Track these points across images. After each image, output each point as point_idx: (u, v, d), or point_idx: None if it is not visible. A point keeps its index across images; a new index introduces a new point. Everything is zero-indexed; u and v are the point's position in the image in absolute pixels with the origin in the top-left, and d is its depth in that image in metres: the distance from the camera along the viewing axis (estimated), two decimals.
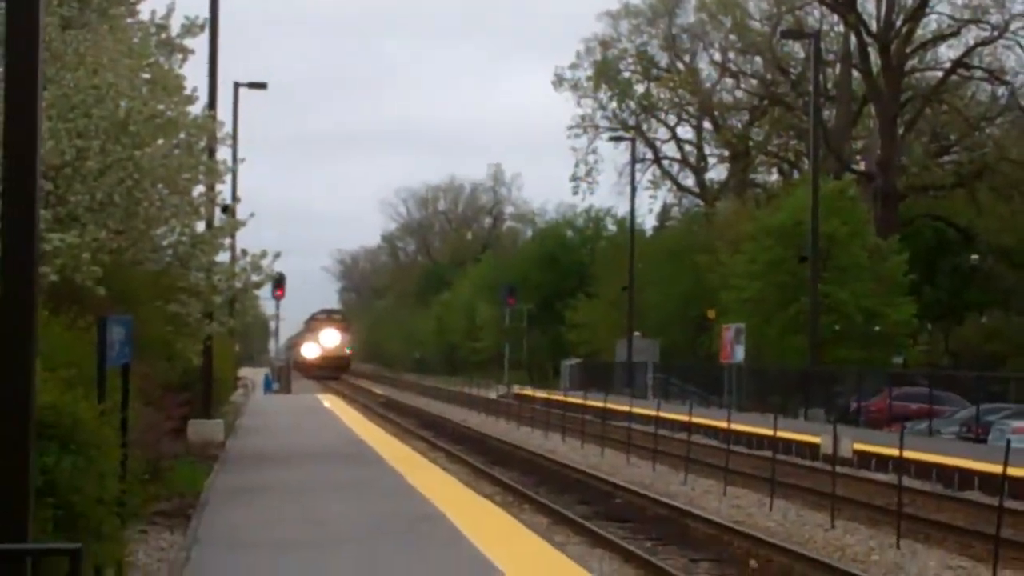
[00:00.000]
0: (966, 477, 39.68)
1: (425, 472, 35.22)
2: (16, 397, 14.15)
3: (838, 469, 34.77)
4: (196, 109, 35.00)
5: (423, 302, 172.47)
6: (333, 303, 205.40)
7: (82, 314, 22.84)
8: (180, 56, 34.34)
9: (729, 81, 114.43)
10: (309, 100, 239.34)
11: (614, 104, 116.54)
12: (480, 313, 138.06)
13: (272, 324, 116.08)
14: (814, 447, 44.00)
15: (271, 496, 28.74)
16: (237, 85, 64.16)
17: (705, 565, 26.47)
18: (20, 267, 14.37)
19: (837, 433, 36.03)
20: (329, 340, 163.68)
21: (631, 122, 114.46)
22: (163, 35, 33.17)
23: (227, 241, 38.26)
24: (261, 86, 66.02)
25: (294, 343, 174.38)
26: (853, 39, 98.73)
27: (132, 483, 19.58)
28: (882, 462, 43.01)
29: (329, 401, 77.51)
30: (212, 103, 44.33)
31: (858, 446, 40.41)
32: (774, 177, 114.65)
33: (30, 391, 14.25)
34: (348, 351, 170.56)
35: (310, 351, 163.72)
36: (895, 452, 37.36)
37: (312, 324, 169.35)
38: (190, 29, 34.40)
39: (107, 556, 16.86)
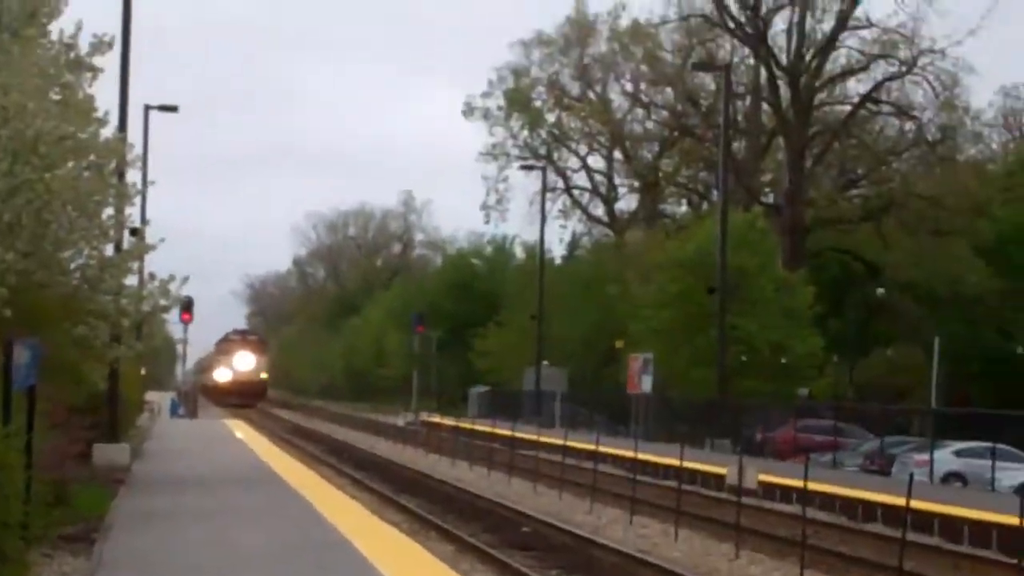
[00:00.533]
0: (870, 509, 39.88)
1: (332, 499, 35.10)
2: None
3: (744, 500, 34.87)
4: (107, 131, 34.94)
5: (332, 328, 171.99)
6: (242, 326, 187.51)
7: None
8: (90, 75, 34.17)
9: (640, 112, 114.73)
10: (219, 122, 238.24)
11: (525, 132, 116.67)
12: (389, 340, 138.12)
13: (179, 348, 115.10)
14: (720, 478, 44.20)
15: (177, 521, 28.51)
16: (147, 107, 63.93)
17: None
18: None
19: (743, 464, 36.21)
20: (243, 363, 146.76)
21: (542, 151, 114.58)
22: (72, 54, 32.96)
23: (135, 264, 38.00)
24: (172, 109, 65.82)
25: (203, 367, 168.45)
26: (763, 72, 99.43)
27: (36, 506, 19.51)
28: (787, 493, 43.21)
29: (235, 426, 77.22)
30: (123, 125, 43.99)
31: (763, 477, 40.70)
32: (684, 208, 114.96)
33: None
34: (264, 376, 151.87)
35: (222, 375, 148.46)
36: (800, 484, 37.54)
37: (224, 346, 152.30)
38: (99, 47, 34.22)
39: None
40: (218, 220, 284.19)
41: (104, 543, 24.94)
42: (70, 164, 30.73)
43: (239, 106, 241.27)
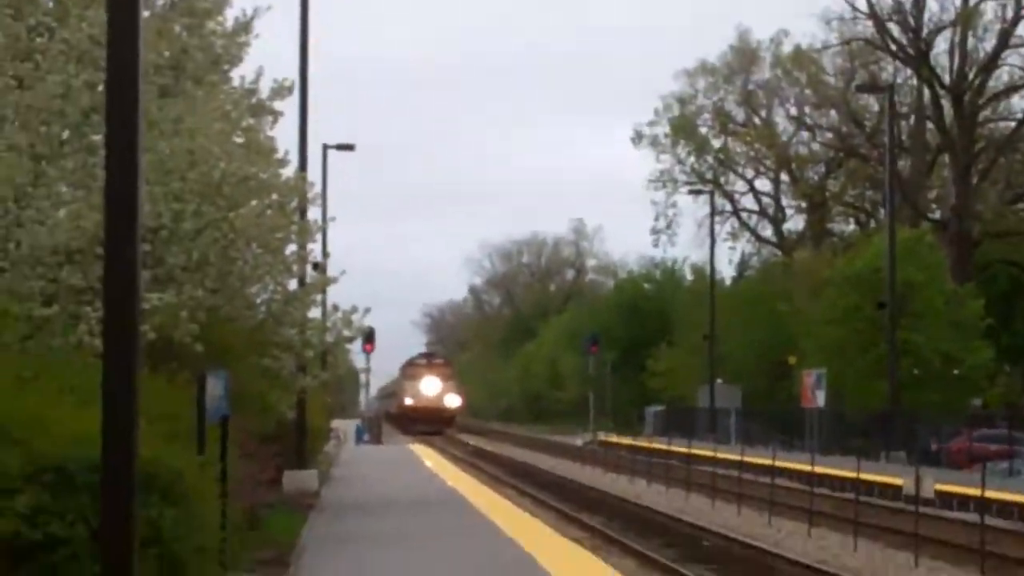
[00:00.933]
0: None
1: (516, 519, 35.07)
2: (120, 451, 14.22)
3: (920, 509, 34.45)
4: (287, 171, 35.25)
5: (507, 353, 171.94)
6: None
7: (180, 370, 22.97)
8: (271, 118, 34.43)
9: (805, 134, 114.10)
10: (395, 160, 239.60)
11: (692, 159, 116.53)
12: (564, 362, 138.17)
13: (362, 377, 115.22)
14: (896, 488, 43.71)
15: (368, 544, 28.61)
16: (326, 147, 64.46)
17: None
18: (123, 326, 14.41)
19: (919, 474, 35.73)
20: (429, 389, 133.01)
21: (709, 176, 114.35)
22: (254, 99, 33.25)
23: (318, 297, 38.24)
24: (349, 147, 66.36)
25: (387, 393, 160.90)
26: (926, 91, 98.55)
27: (231, 531, 19.65)
28: (963, 502, 42.68)
29: (419, 451, 77.48)
30: (303, 164, 44.43)
31: (939, 486, 40.12)
32: (851, 227, 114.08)
33: (133, 446, 14.31)
34: (454, 404, 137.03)
35: (408, 401, 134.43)
36: (976, 492, 37.12)
37: (409, 370, 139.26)
38: (279, 92, 34.41)
39: None
40: (396, 254, 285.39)
41: (298, 566, 25.13)
42: (253, 203, 30.92)
43: (411, 144, 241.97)
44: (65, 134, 27.54)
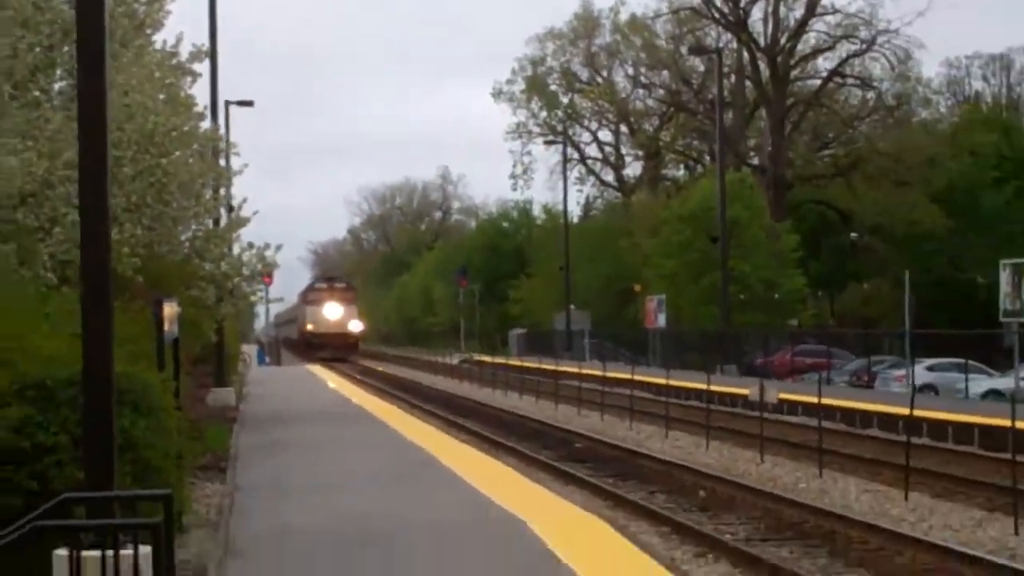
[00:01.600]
0: (866, 417, 39.79)
1: (411, 425, 35.16)
2: (99, 368, 13.92)
3: (764, 415, 34.62)
4: (203, 124, 34.94)
5: (385, 285, 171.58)
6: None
7: (130, 300, 22.64)
8: (189, 78, 34.02)
9: (641, 91, 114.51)
10: (285, 117, 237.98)
11: (544, 113, 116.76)
12: (435, 291, 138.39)
13: (263, 306, 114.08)
14: (738, 396, 43.99)
15: (289, 451, 28.52)
16: (228, 103, 63.66)
17: (661, 495, 26.47)
18: (97, 263, 14.15)
19: (763, 384, 35.95)
20: (333, 313, 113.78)
21: (559, 128, 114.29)
22: (174, 61, 32.74)
23: (234, 235, 37.90)
24: (248, 104, 65.52)
25: (284, 320, 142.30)
26: (745, 54, 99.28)
27: (185, 441, 19.44)
28: (793, 407, 43.00)
29: (316, 371, 77.26)
30: (214, 118, 44.02)
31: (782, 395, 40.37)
32: (681, 172, 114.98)
33: (109, 362, 14.01)
34: (358, 328, 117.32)
35: (310, 327, 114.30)
36: (809, 399, 37.44)
37: (311, 295, 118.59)
38: (196, 55, 34.02)
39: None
40: (288, 200, 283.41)
41: (234, 470, 24.96)
42: (178, 153, 30.54)
43: (301, 104, 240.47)
44: (14, 91, 27.00)
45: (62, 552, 10.51)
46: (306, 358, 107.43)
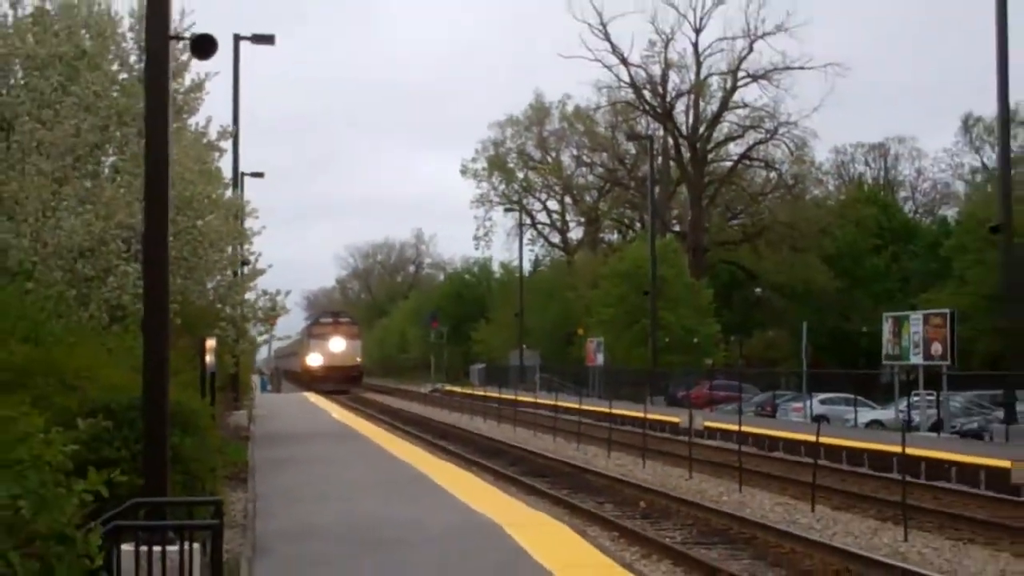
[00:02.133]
0: (773, 442, 39.92)
1: (398, 445, 34.95)
2: (157, 395, 13.99)
3: (692, 439, 34.78)
4: (227, 192, 35.02)
5: (368, 327, 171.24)
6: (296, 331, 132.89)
7: (176, 339, 22.66)
8: (217, 153, 34.15)
9: (583, 169, 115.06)
10: (282, 181, 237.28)
11: (503, 186, 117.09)
12: (409, 333, 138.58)
13: (266, 341, 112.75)
14: (669, 423, 44.06)
15: (297, 464, 28.34)
16: (243, 174, 63.59)
17: (609, 505, 26.51)
18: (158, 307, 14.31)
19: (692, 413, 36.06)
20: (337, 347, 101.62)
21: (515, 198, 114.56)
22: (205, 140, 32.81)
23: (252, 284, 37.87)
24: (260, 175, 65.44)
25: (285, 353, 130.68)
26: (670, 140, 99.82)
27: (219, 455, 19.45)
28: (712, 433, 43.09)
29: (311, 397, 76.93)
30: (235, 186, 44.14)
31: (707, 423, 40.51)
32: (616, 236, 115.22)
33: (165, 391, 14.09)
34: (359, 360, 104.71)
35: (315, 360, 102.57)
36: (726, 426, 37.55)
37: (316, 330, 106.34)
38: (223, 135, 34.20)
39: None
40: (287, 253, 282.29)
41: (253, 480, 24.87)
42: (210, 216, 30.59)
43: (307, 172, 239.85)
44: (76, 164, 27.05)
45: (128, 547, 10.55)
46: (305, 387, 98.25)
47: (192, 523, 11.32)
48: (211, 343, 19.14)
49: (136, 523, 10.59)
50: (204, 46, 16.45)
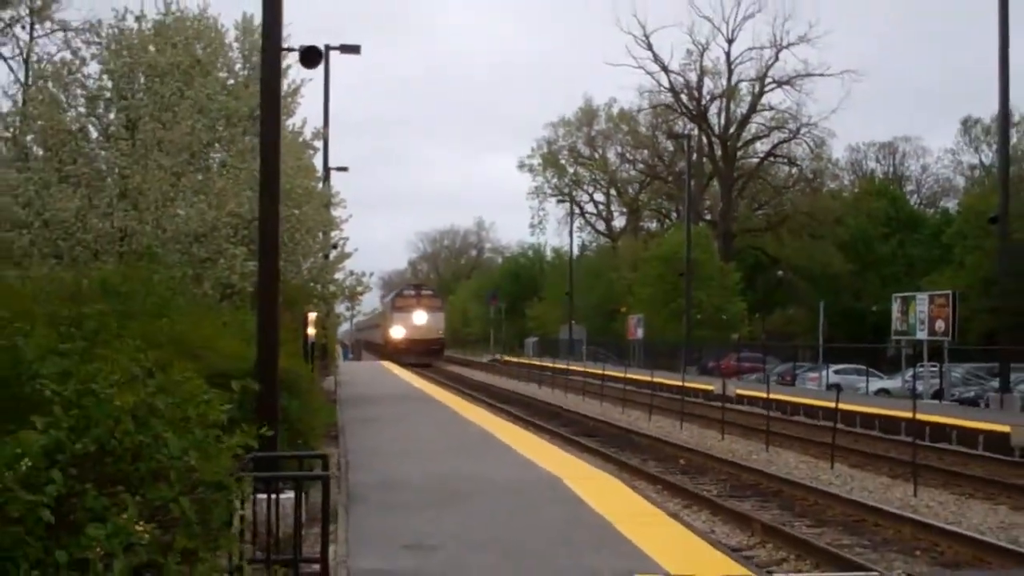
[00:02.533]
0: (795, 407, 39.87)
1: (465, 407, 35.16)
2: (269, 363, 14.27)
3: (725, 405, 34.80)
4: (319, 185, 35.19)
5: None
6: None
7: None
8: (311, 151, 34.37)
9: (626, 165, 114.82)
10: (363, 173, 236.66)
11: (555, 179, 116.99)
12: (471, 310, 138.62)
13: (346, 315, 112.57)
14: (702, 390, 44.04)
15: (379, 424, 28.53)
16: (329, 169, 63.86)
17: (652, 462, 26.62)
18: (270, 290, 14.56)
19: (725, 381, 36.07)
20: (420, 320, 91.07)
21: (566, 190, 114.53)
22: (301, 139, 33.03)
23: (341, 265, 38.09)
24: (344, 169, 65.62)
25: (367, 325, 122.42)
26: (704, 139, 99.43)
27: (319, 416, 19.71)
28: (740, 399, 43.03)
29: (387, 365, 77.25)
30: (325, 180, 44.35)
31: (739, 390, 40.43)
32: (654, 225, 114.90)
33: (276, 359, 14.36)
34: (441, 333, 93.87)
35: (398, 332, 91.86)
36: (757, 393, 37.54)
37: (398, 302, 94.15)
38: (316, 135, 34.40)
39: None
40: (366, 237, 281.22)
41: (344, 437, 25.13)
42: (306, 207, 30.82)
43: (384, 165, 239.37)
44: (191, 160, 27.35)
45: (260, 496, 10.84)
46: (387, 359, 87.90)
47: (307, 474, 11.58)
48: (313, 316, 19.40)
49: (262, 474, 10.84)
50: (312, 57, 16.77)
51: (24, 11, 33.03)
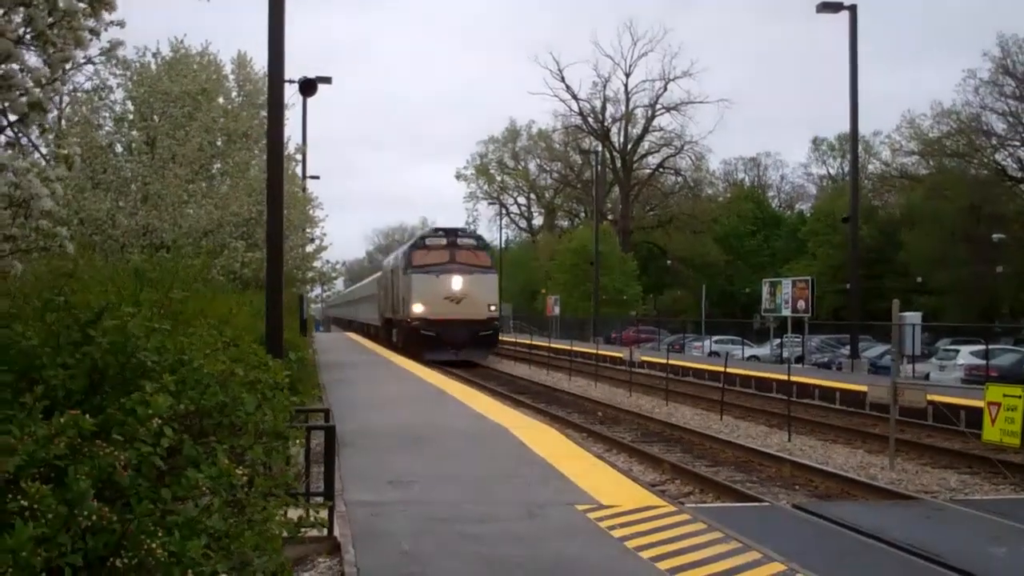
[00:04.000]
0: (684, 370, 40.17)
1: (420, 369, 34.95)
2: (275, 332, 14.21)
3: (632, 369, 34.95)
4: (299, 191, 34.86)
5: None
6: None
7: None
8: (294, 163, 33.99)
9: (544, 174, 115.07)
10: (336, 181, 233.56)
11: (486, 186, 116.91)
12: None
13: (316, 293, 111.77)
14: (609, 356, 44.18)
15: (352, 383, 28.34)
16: (307, 177, 63.19)
17: (576, 414, 26.69)
18: (275, 275, 14.48)
19: (631, 349, 36.26)
20: (457, 285, 42.04)
21: (495, 195, 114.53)
22: (286, 152, 32.61)
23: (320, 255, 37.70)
24: (316, 177, 64.83)
25: (350, 299, 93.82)
26: (607, 153, 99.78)
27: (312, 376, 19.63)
28: (643, 364, 43.16)
29: (350, 336, 76.73)
30: (304, 188, 43.86)
31: (644, 357, 40.61)
32: (567, 223, 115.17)
33: (280, 329, 14.30)
34: (494, 308, 43.79)
35: (419, 308, 42.02)
36: (656, 359, 37.73)
37: (417, 256, 43.04)
38: (299, 150, 34.14)
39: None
40: (334, 232, 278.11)
41: (326, 394, 24.95)
42: (291, 209, 30.51)
43: (339, 174, 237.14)
44: (199, 169, 27.03)
45: None
46: (391, 347, 49.75)
47: (316, 424, 11.56)
48: (305, 297, 19.35)
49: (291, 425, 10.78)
50: (309, 88, 16.60)
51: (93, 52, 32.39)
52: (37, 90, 5.53)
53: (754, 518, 12.10)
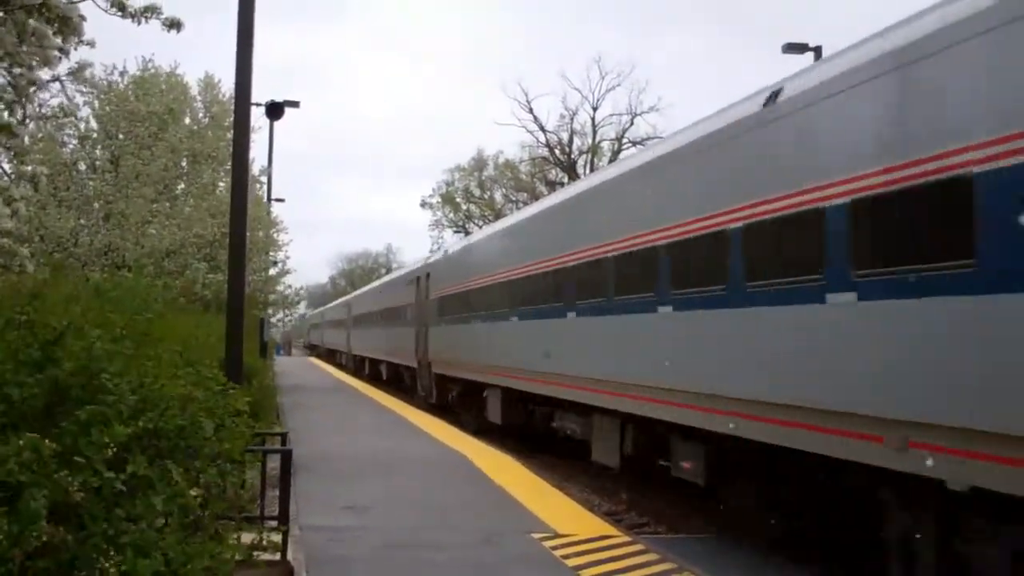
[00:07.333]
0: None
1: (377, 393, 34.93)
2: (235, 355, 14.20)
3: None
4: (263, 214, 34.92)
5: None
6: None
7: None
8: (258, 185, 34.12)
9: (511, 204, 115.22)
10: (299, 205, 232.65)
11: (452, 214, 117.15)
12: None
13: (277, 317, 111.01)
14: None
15: (312, 408, 28.15)
16: (271, 199, 63.17)
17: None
18: (237, 298, 14.48)
19: None
20: None
21: (460, 223, 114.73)
22: (251, 174, 32.69)
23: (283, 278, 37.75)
24: (281, 200, 64.94)
25: (320, 323, 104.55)
26: None
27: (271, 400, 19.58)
28: None
29: (312, 360, 76.49)
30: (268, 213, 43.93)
31: None
32: None
33: (240, 352, 14.29)
34: None
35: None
36: None
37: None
38: (263, 172, 34.24)
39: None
40: (296, 257, 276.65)
41: (284, 417, 24.84)
42: (259, 232, 30.61)
43: (301, 197, 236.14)
44: (163, 191, 27.01)
45: None
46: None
47: (272, 448, 11.54)
48: (267, 321, 19.34)
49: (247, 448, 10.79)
50: (275, 111, 16.64)
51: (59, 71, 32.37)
52: (6, 113, 5.57)
53: (711, 548, 12.18)
